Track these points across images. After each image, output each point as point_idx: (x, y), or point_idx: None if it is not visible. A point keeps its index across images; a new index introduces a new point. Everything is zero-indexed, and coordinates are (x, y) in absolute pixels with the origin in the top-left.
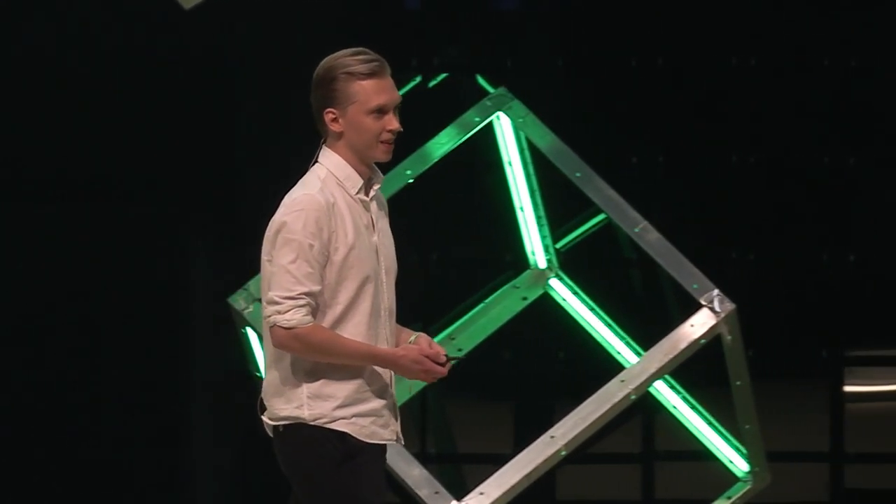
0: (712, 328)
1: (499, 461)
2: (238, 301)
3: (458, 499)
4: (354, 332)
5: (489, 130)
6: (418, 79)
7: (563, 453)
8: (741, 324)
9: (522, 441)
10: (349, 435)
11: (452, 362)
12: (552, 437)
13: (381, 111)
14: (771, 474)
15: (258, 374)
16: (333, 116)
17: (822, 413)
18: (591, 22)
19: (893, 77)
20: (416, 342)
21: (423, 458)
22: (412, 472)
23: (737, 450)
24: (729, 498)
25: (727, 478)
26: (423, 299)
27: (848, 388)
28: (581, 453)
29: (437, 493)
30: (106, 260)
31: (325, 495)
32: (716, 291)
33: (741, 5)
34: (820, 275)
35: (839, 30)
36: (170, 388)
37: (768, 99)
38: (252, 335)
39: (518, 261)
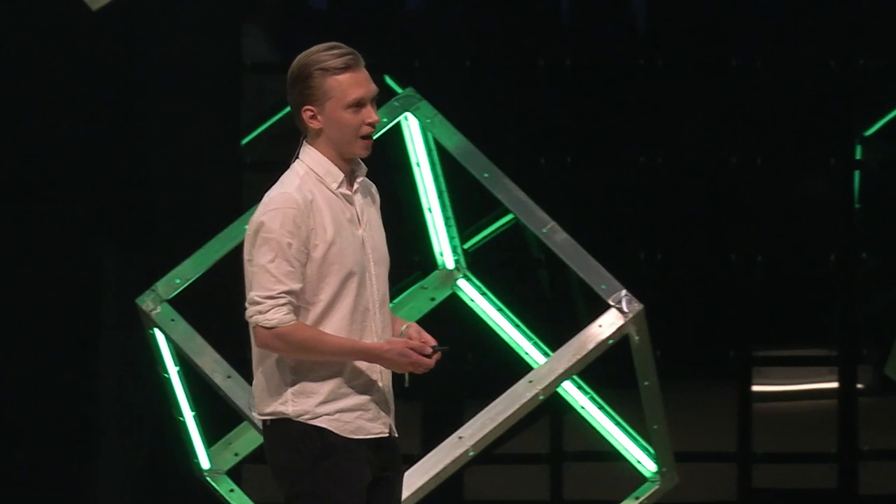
0: (620, 328)
1: (406, 462)
2: (146, 302)
3: None
4: (338, 327)
5: (397, 131)
6: None
7: (471, 454)
8: (649, 324)
9: (430, 442)
10: (330, 431)
11: (439, 352)
12: (460, 437)
13: (358, 104)
14: (679, 474)
15: (166, 375)
16: (312, 114)
17: (730, 413)
18: (498, 22)
19: (799, 77)
20: (406, 333)
21: None
22: None
23: (645, 450)
24: (637, 498)
25: (635, 478)
26: None
27: (755, 388)
28: (489, 454)
29: None
30: (13, 260)
31: (299, 492)
32: (624, 292)
33: (650, 6)
34: (728, 275)
35: (747, 30)
36: (78, 390)
37: (676, 100)
38: (160, 336)
39: (426, 261)
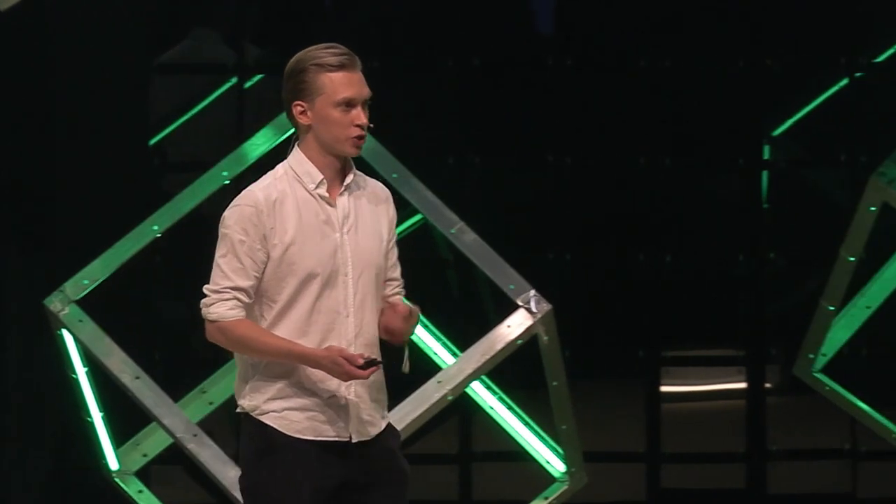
0: (529, 329)
1: None
2: (53, 303)
3: None
4: (293, 328)
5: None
6: (234, 80)
7: None
8: (558, 324)
9: None
10: (273, 428)
11: (372, 364)
12: None
13: (348, 104)
14: (587, 474)
15: (74, 375)
16: (301, 109)
17: (639, 413)
18: (407, 23)
19: (708, 78)
20: (397, 311)
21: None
22: (228, 473)
23: (553, 450)
24: (546, 498)
25: (544, 478)
26: None
27: (664, 389)
28: None
29: None
30: None
31: (245, 485)
32: (532, 292)
33: (559, 5)
34: (636, 275)
35: (655, 30)
36: None
37: (585, 100)
38: (68, 337)
39: None
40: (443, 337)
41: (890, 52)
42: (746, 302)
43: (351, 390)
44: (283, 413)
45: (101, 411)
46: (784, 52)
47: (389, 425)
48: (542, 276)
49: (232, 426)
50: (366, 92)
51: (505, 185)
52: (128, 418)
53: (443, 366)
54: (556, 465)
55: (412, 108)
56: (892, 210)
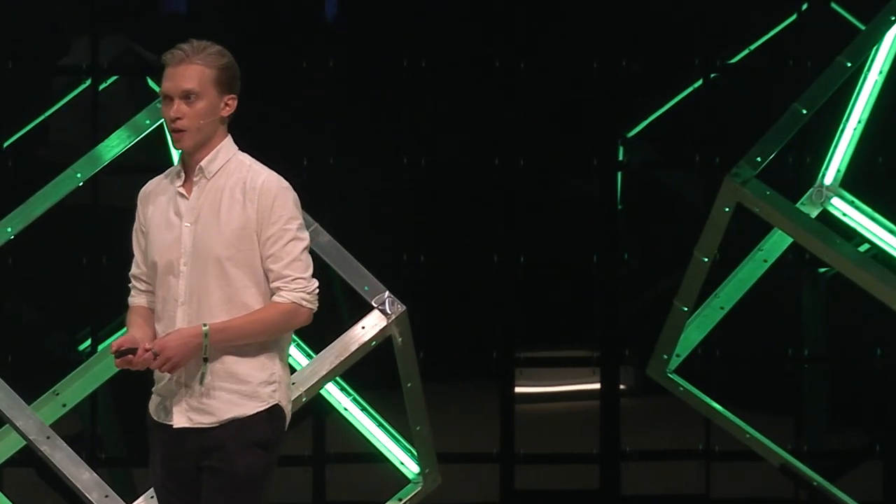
0: (383, 330)
1: None
2: None
3: (129, 502)
4: (156, 315)
5: (161, 133)
6: (88, 81)
7: None
8: (412, 325)
9: None
10: (148, 409)
11: (125, 353)
12: None
13: (166, 97)
14: (442, 475)
15: None
16: None
17: (493, 414)
18: (262, 23)
19: (562, 78)
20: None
21: (94, 462)
22: (82, 476)
23: (408, 451)
24: (400, 500)
25: (399, 479)
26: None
27: (518, 389)
28: None
29: (107, 496)
30: None
31: None
32: (387, 293)
33: (412, 6)
34: (490, 276)
35: (510, 31)
36: None
37: (439, 100)
38: None
39: None
40: (297, 338)
41: (744, 53)
42: (600, 302)
43: (173, 379)
44: (153, 396)
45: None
46: (638, 53)
47: (240, 421)
48: (396, 278)
49: (86, 426)
50: (181, 86)
51: (359, 185)
52: None
53: (297, 367)
54: (410, 466)
55: (267, 109)
56: (746, 211)
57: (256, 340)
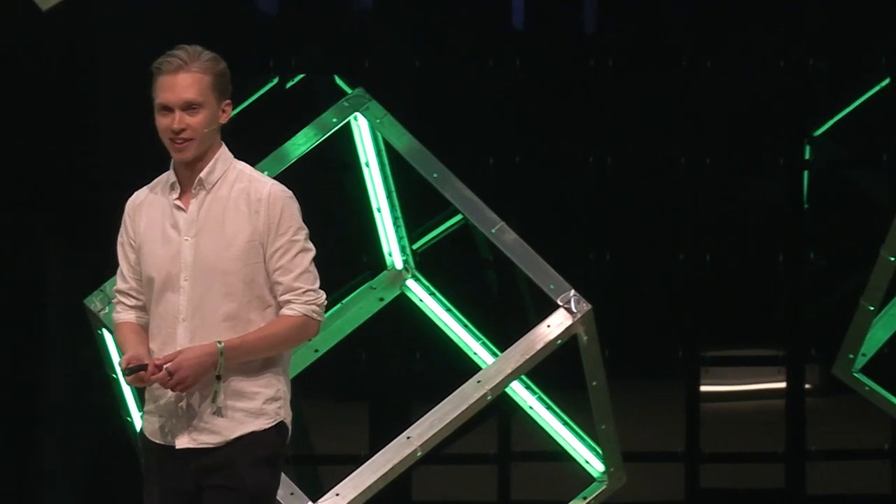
0: (568, 328)
1: (355, 462)
2: (94, 303)
3: (314, 500)
4: (151, 331)
5: (346, 131)
6: (276, 80)
7: (420, 454)
8: (597, 324)
9: (378, 442)
10: (143, 430)
11: (135, 370)
12: (408, 437)
13: (165, 108)
14: (626, 474)
15: (114, 375)
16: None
17: (678, 413)
18: (448, 23)
19: (749, 78)
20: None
21: None
22: None
23: (593, 450)
24: (585, 498)
25: (583, 478)
26: None
27: (704, 388)
28: (437, 454)
29: (292, 494)
30: None
31: None
32: (572, 292)
33: (599, 7)
34: (676, 275)
35: (693, 28)
36: (25, 391)
37: (627, 100)
38: (108, 336)
39: (375, 262)
40: (482, 337)
41: None
42: (786, 302)
43: (174, 399)
44: (145, 416)
45: (140, 411)
46: (825, 53)
47: (248, 438)
48: (582, 276)
49: None
50: (182, 96)
51: (545, 184)
52: None
53: (482, 366)
54: (595, 464)
55: (453, 108)
56: None
57: (267, 356)
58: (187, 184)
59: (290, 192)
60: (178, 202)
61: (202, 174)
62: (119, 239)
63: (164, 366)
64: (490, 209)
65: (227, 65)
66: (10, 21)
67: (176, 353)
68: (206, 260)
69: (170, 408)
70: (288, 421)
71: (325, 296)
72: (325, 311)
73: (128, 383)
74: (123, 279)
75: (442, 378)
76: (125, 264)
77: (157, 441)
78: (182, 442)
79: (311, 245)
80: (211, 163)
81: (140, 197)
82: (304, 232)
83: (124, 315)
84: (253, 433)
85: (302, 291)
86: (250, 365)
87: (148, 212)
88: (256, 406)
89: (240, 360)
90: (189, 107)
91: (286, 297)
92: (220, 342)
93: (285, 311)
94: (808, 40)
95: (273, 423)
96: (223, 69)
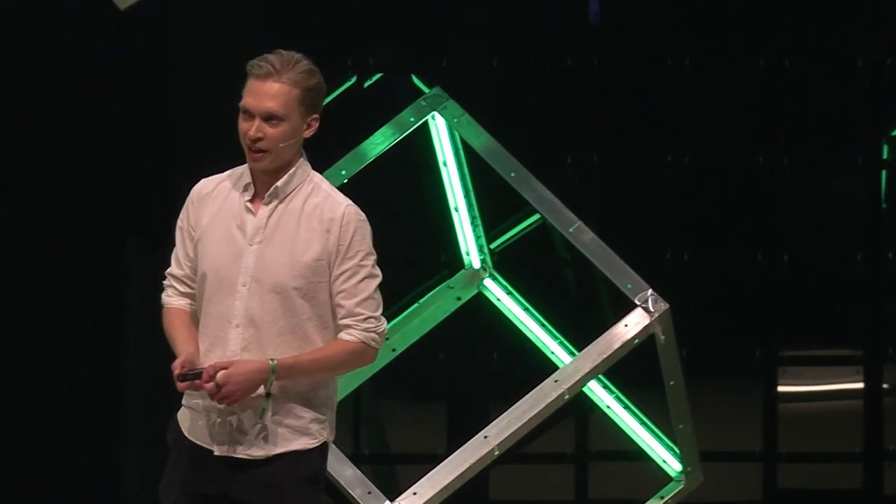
0: (646, 328)
1: (432, 461)
2: None
3: (392, 499)
4: (200, 326)
5: (424, 130)
6: (353, 79)
7: (497, 453)
8: (675, 323)
9: (456, 441)
10: (178, 424)
11: (188, 378)
12: (485, 437)
13: (246, 112)
14: (704, 474)
15: None
16: None
17: (756, 413)
18: (526, 21)
19: (825, 76)
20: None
21: (357, 459)
22: (345, 473)
23: (670, 449)
24: (662, 497)
25: (660, 477)
26: None
27: (781, 388)
28: (514, 453)
29: (370, 493)
30: (40, 260)
31: None
32: (650, 291)
33: (675, 6)
34: (754, 275)
35: (773, 32)
36: (103, 387)
37: (703, 99)
38: None
39: (452, 261)
40: (560, 336)
41: None
42: (864, 301)
43: (220, 404)
44: (183, 409)
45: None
46: None
47: (291, 455)
48: (659, 275)
49: (349, 423)
50: (265, 105)
51: (623, 183)
52: None
53: (560, 365)
54: (672, 464)
55: (531, 107)
56: None
57: (320, 379)
58: (261, 188)
59: (363, 216)
60: (249, 204)
61: (279, 183)
62: (178, 224)
63: (211, 375)
64: (567, 208)
65: (322, 79)
66: (87, 21)
67: (229, 361)
68: (269, 270)
69: (214, 411)
70: (330, 441)
71: (385, 324)
72: (404, 311)
73: (179, 390)
74: (178, 264)
75: (519, 377)
76: (181, 250)
77: (194, 440)
78: (222, 449)
79: (378, 271)
80: (289, 172)
81: (208, 187)
82: (373, 257)
83: (176, 301)
84: (296, 452)
85: (363, 318)
86: (301, 383)
87: (214, 205)
88: (303, 425)
89: (291, 380)
90: (270, 117)
91: (346, 321)
92: (272, 360)
93: (343, 335)
94: (885, 39)
95: (317, 444)
96: (316, 84)
